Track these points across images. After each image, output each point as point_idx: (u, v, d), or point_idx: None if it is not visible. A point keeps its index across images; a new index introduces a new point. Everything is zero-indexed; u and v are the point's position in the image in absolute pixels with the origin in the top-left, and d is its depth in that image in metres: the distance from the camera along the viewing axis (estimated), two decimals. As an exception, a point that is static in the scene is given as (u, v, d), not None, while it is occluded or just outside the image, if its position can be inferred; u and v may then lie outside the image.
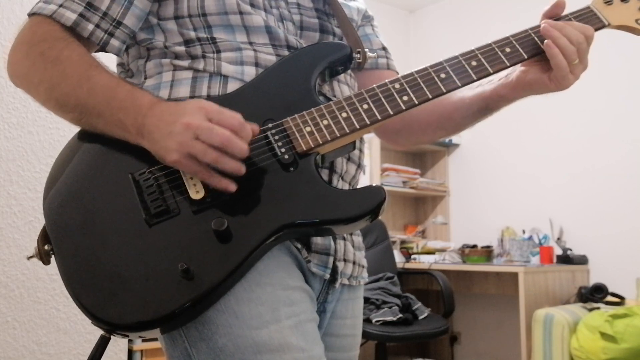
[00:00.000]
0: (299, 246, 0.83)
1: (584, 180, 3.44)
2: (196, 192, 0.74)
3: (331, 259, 0.86)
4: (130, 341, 2.19)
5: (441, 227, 4.12)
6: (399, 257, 3.65)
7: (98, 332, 0.74)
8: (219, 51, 0.84)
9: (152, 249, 0.72)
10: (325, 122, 0.79)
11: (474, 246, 3.65)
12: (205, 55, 0.84)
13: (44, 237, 0.76)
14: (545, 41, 0.85)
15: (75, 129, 0.84)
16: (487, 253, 3.59)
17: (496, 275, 3.49)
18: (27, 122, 2.03)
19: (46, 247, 0.75)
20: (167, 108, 0.75)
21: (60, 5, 0.81)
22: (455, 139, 4.02)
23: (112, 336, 0.73)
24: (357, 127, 0.80)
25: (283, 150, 0.77)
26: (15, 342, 1.95)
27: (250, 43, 0.85)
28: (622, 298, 3.04)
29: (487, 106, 0.95)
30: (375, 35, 1.07)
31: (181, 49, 0.85)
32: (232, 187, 0.73)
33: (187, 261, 0.69)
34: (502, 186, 3.83)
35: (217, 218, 0.71)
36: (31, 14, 0.83)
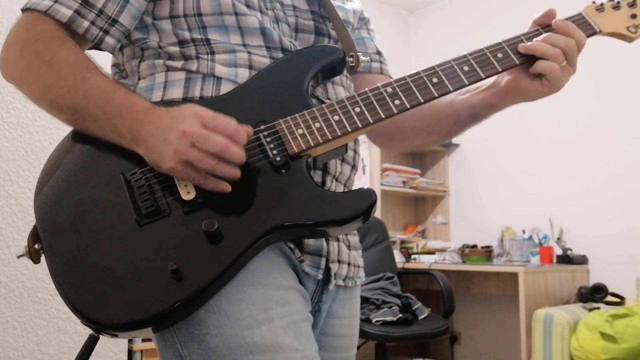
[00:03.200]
0: (292, 246, 0.83)
1: (584, 180, 3.43)
2: (187, 193, 0.74)
3: (323, 260, 0.86)
4: (130, 341, 2.20)
5: (441, 227, 4.12)
6: (399, 257, 3.65)
7: (97, 333, 0.75)
8: (212, 53, 0.84)
9: (142, 249, 0.72)
10: (317, 124, 0.79)
11: (474, 246, 3.65)
12: (199, 56, 0.84)
13: (35, 236, 0.76)
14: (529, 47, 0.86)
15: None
16: (487, 253, 3.59)
17: (496, 275, 3.48)
18: (27, 122, 2.04)
19: (36, 245, 0.75)
20: (162, 115, 0.74)
21: (56, 1, 0.81)
22: (455, 139, 4.02)
23: (100, 335, 0.73)
24: (349, 129, 0.80)
25: (275, 152, 0.78)
26: (15, 342, 1.95)
27: (245, 45, 0.86)
28: (622, 298, 3.04)
29: (476, 114, 0.95)
30: (371, 39, 1.08)
31: (175, 49, 0.85)
32: (227, 188, 0.74)
33: (177, 262, 0.69)
34: (502, 186, 3.83)
35: (207, 219, 0.71)
36: (25, 9, 0.82)
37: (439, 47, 4.27)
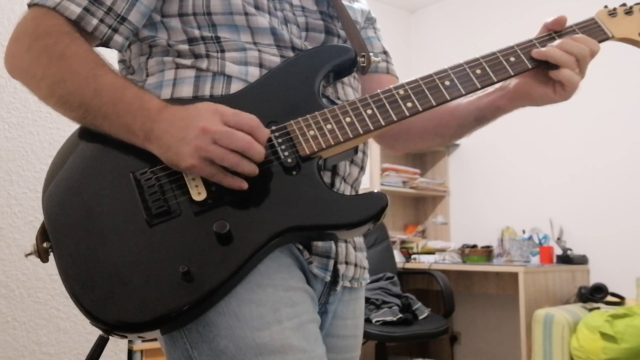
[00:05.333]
0: (301, 247, 0.83)
1: (584, 180, 3.44)
2: (198, 194, 0.74)
3: (331, 262, 0.86)
4: (130, 341, 2.20)
5: (441, 227, 4.12)
6: (399, 257, 3.65)
7: (98, 332, 0.74)
8: (223, 51, 0.84)
9: (152, 250, 0.71)
10: (329, 126, 0.79)
11: (474, 246, 3.65)
12: (209, 54, 0.84)
13: (43, 234, 0.75)
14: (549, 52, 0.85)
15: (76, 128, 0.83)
16: (487, 253, 3.59)
17: (496, 275, 3.49)
18: (27, 122, 2.03)
19: (45, 244, 0.75)
20: (176, 113, 0.74)
21: None
22: (456, 139, 4.02)
23: (110, 336, 0.72)
24: (361, 132, 0.80)
25: (286, 153, 0.77)
26: (16, 342, 1.95)
27: (255, 43, 0.85)
28: (622, 298, 3.05)
29: (483, 116, 0.95)
30: (377, 39, 1.07)
31: (184, 47, 0.84)
32: (245, 185, 0.73)
33: (187, 263, 0.69)
34: (502, 186, 3.83)
35: (219, 220, 0.71)
36: (32, 5, 0.81)
37: (439, 47, 4.26)
